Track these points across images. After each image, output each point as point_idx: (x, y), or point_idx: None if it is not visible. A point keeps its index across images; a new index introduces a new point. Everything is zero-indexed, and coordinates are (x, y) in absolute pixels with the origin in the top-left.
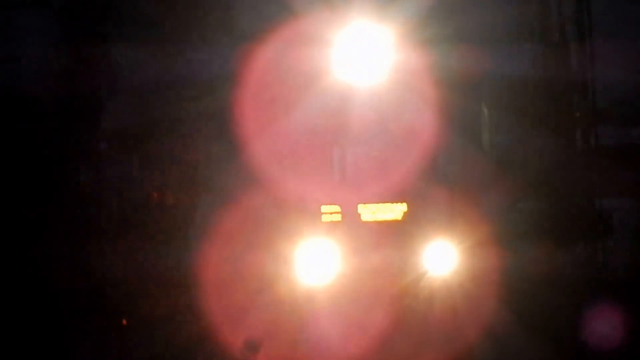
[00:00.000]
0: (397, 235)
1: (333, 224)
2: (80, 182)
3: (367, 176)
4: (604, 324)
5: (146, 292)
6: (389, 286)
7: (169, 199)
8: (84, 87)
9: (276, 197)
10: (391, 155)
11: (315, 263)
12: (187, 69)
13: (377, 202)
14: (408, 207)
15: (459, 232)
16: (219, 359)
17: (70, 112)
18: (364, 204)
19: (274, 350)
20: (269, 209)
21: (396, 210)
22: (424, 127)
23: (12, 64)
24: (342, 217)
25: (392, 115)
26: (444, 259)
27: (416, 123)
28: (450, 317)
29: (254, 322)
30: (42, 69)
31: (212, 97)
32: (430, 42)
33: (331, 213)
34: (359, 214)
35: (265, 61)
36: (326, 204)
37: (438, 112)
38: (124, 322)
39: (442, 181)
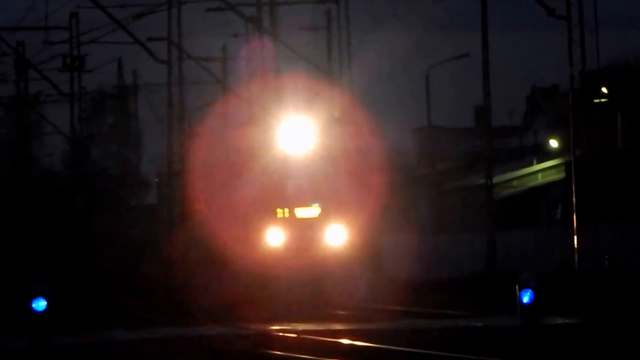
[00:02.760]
0: (315, 224)
1: (284, 218)
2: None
3: (301, 196)
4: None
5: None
6: (313, 249)
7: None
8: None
9: (254, 205)
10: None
11: (273, 237)
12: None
13: (304, 207)
14: (321, 210)
15: (347, 224)
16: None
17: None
18: (299, 207)
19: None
20: (252, 209)
21: (314, 211)
22: (332, 177)
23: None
24: (289, 214)
25: (315, 171)
26: (339, 236)
27: (328, 175)
28: (340, 263)
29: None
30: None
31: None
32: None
33: (282, 212)
34: (295, 213)
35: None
36: (280, 207)
37: (341, 170)
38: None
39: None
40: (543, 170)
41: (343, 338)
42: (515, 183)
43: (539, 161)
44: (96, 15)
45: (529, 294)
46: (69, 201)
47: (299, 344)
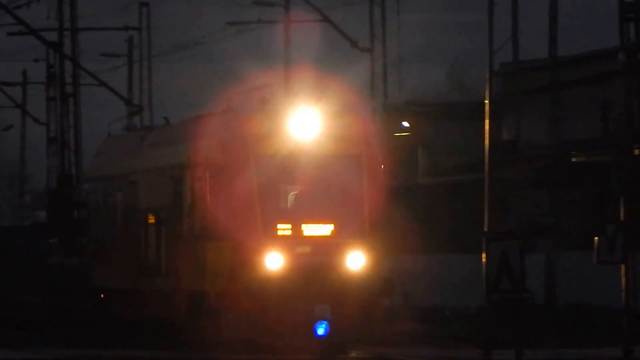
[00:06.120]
0: (324, 243)
1: (285, 236)
2: None
3: (310, 207)
4: None
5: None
6: (322, 273)
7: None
8: None
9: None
10: (325, 195)
11: (273, 260)
12: None
13: (314, 223)
14: (334, 227)
15: (364, 246)
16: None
17: None
18: (306, 223)
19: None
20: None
21: (326, 229)
22: (346, 176)
23: None
24: (292, 231)
25: (328, 169)
26: (355, 259)
27: (340, 172)
28: (356, 281)
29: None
30: None
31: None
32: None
33: (284, 229)
34: (302, 230)
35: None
36: (282, 223)
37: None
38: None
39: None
40: None
41: None
42: None
43: None
44: None
45: (324, 326)
46: None
47: None
